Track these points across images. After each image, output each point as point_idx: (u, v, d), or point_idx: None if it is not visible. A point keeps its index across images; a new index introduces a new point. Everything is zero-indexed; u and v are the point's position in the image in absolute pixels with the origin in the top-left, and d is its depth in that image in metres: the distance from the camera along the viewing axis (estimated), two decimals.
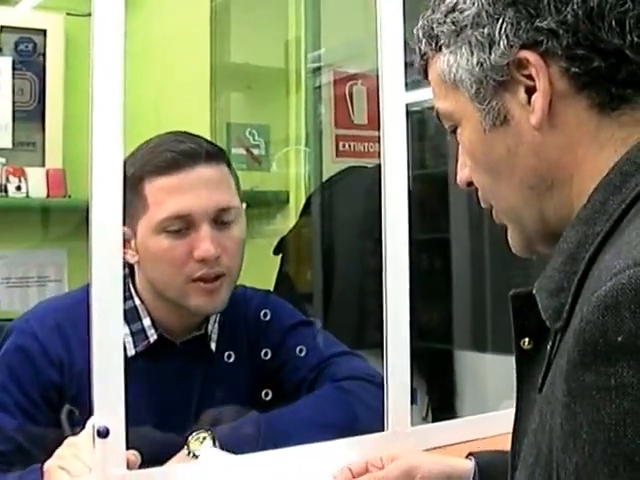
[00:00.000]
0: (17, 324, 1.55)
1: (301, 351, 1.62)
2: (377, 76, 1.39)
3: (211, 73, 2.80)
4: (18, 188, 2.86)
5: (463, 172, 0.97)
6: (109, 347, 1.15)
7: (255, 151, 2.91)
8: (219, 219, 1.50)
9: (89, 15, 1.16)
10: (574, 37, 0.84)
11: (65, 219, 2.83)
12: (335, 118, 2.84)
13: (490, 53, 0.87)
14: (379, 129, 1.41)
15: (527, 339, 0.92)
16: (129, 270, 1.56)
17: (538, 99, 0.86)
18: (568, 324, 0.77)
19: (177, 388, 1.55)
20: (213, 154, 1.52)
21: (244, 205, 1.58)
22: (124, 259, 1.47)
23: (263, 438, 1.42)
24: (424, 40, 0.94)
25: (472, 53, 0.88)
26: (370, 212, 2.29)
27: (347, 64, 2.76)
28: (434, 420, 2.45)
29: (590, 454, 0.68)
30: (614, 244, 0.78)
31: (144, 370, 1.50)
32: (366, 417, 1.48)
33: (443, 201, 2.76)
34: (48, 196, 2.91)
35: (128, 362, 1.45)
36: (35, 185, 2.89)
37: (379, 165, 1.43)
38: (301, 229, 2.62)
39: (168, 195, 1.47)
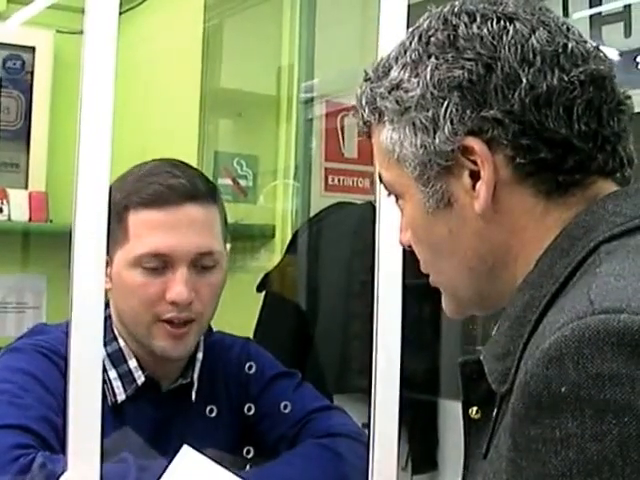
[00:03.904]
0: (36, 342, 1.47)
1: (282, 406, 1.54)
2: None
3: (201, 98, 2.72)
4: (0, 210, 2.79)
5: (404, 235, 0.96)
6: (87, 397, 1.05)
7: (242, 182, 2.82)
8: (198, 263, 1.44)
9: (80, 33, 1.13)
10: (520, 126, 0.83)
11: (46, 244, 2.75)
12: (325, 151, 2.73)
13: (434, 138, 0.85)
14: (373, 163, 1.34)
15: (475, 408, 0.91)
16: (109, 311, 1.49)
17: (482, 188, 0.85)
18: (513, 387, 0.76)
19: (156, 440, 1.45)
20: (204, 193, 1.47)
21: (228, 247, 1.52)
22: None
23: None
24: (367, 108, 0.92)
25: (416, 135, 0.87)
26: (358, 252, 2.20)
27: (341, 95, 2.65)
28: (414, 470, 2.36)
29: None
30: (558, 304, 0.78)
31: (132, 416, 1.44)
32: (349, 478, 1.41)
33: None
34: (30, 220, 2.84)
35: (117, 408, 1.43)
36: (17, 208, 2.82)
37: (369, 202, 1.37)
38: (286, 266, 2.51)
39: (150, 230, 1.42)
